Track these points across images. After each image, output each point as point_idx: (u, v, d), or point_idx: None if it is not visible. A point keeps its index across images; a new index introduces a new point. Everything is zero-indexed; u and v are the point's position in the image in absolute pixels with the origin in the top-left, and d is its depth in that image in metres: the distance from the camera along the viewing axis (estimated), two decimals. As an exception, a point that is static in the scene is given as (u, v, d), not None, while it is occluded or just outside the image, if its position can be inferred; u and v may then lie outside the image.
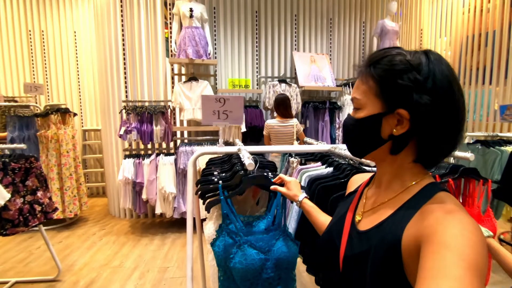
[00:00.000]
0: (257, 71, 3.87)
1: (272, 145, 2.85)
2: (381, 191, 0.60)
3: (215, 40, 3.71)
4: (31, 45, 4.30)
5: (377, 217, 0.56)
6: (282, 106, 2.85)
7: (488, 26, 3.82)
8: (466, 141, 2.79)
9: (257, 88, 3.85)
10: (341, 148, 1.35)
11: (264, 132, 2.93)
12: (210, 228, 1.16)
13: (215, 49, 3.72)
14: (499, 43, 3.68)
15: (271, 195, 1.12)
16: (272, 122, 2.87)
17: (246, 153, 1.18)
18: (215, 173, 1.33)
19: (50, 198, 2.10)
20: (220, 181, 1.15)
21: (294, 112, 3.63)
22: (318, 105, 3.70)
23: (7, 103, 3.54)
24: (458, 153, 1.33)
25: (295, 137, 2.84)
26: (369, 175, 0.72)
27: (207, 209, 1.06)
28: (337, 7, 4.03)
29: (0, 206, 1.66)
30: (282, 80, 3.61)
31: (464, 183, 1.33)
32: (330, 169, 1.34)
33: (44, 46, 4.34)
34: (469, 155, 1.28)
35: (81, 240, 3.02)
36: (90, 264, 2.52)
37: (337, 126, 3.76)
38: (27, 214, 1.87)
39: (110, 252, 2.76)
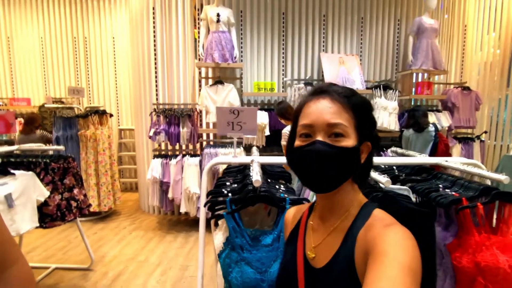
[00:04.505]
0: (283, 74, 3.84)
1: None
2: (327, 219, 0.61)
3: (241, 43, 3.75)
4: (76, 51, 4.70)
5: (330, 249, 0.57)
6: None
7: (546, 20, 3.38)
8: (512, 152, 2.51)
9: (282, 91, 3.82)
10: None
11: (283, 142, 2.76)
12: (218, 239, 1.19)
13: (242, 52, 3.75)
14: (559, 40, 3.24)
15: (279, 210, 1.11)
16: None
17: (256, 167, 1.19)
18: (227, 183, 1.35)
19: (85, 195, 2.30)
20: (230, 194, 1.17)
21: (319, 116, 3.54)
22: (345, 109, 3.57)
23: (54, 105, 3.91)
24: (490, 174, 1.21)
25: None
26: (303, 206, 0.73)
27: (215, 224, 1.09)
28: (369, 4, 3.84)
29: (41, 202, 1.86)
30: (308, 83, 3.54)
31: (499, 207, 1.20)
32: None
33: (87, 51, 4.72)
34: (503, 177, 1.16)
35: (113, 233, 3.26)
36: (119, 257, 2.71)
37: (365, 130, 3.60)
38: (64, 210, 2.07)
39: (138, 246, 2.94)
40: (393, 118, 3.58)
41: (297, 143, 0.58)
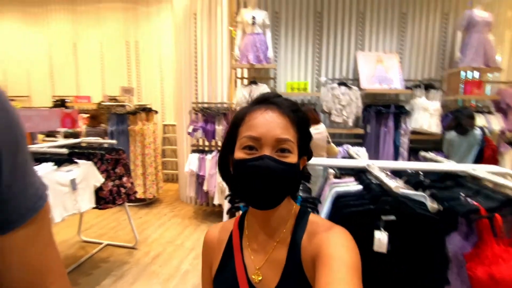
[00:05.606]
0: (316, 73, 3.85)
1: None
2: (266, 236, 0.58)
3: (276, 43, 3.83)
4: (128, 54, 5.24)
5: (277, 266, 0.56)
6: (309, 110, 2.71)
7: None
8: None
9: (316, 91, 3.83)
10: (375, 165, 1.33)
11: None
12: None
13: (276, 52, 3.84)
14: None
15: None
16: None
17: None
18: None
19: (132, 183, 2.63)
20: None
21: (353, 117, 3.49)
22: (381, 109, 3.46)
23: (109, 103, 4.44)
24: (505, 181, 1.16)
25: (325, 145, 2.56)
26: (227, 225, 0.66)
27: (231, 216, 1.23)
28: (412, -2, 3.63)
29: (97, 187, 2.20)
30: (342, 83, 3.51)
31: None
32: (360, 187, 1.34)
33: (137, 54, 5.23)
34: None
35: (155, 218, 3.63)
36: (159, 240, 3.04)
37: (402, 132, 3.45)
38: (115, 195, 2.41)
39: (175, 232, 3.25)
40: (434, 120, 3.38)
41: (241, 155, 0.54)
